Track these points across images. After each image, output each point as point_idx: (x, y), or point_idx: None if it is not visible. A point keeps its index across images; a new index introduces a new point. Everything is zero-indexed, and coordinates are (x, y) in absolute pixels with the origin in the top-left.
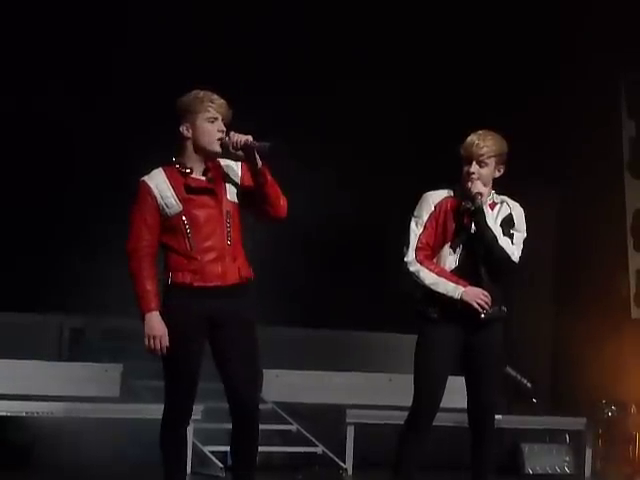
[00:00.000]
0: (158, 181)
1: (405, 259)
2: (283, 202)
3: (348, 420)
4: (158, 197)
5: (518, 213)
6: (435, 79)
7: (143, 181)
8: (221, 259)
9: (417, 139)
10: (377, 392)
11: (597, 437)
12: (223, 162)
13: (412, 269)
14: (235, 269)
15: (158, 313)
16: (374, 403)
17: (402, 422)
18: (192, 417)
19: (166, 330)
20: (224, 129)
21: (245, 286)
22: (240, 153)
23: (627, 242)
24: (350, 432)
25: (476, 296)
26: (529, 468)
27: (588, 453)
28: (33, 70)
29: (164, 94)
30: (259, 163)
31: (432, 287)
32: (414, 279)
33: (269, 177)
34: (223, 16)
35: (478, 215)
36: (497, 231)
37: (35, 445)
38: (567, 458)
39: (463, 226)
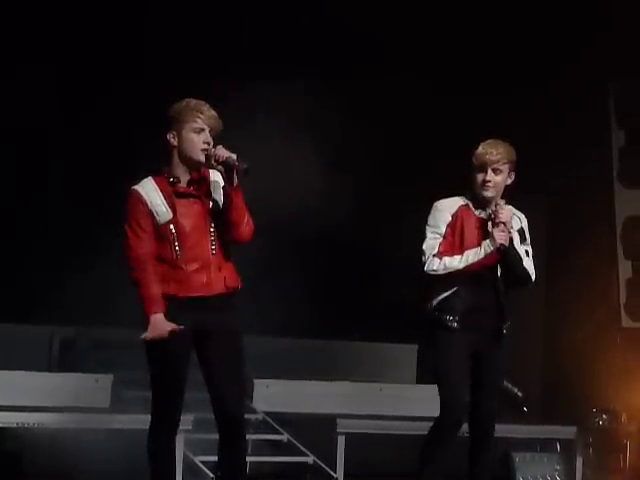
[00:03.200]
0: (148, 189)
1: (426, 268)
2: (247, 228)
3: (339, 430)
4: (149, 204)
5: (526, 225)
6: (425, 86)
7: (134, 189)
8: (205, 269)
9: (414, 150)
10: (368, 402)
11: (588, 446)
12: (212, 174)
13: (437, 267)
14: (221, 279)
15: (163, 315)
16: (365, 413)
17: (393, 432)
18: (183, 427)
19: (169, 328)
20: (210, 141)
21: (231, 296)
22: (220, 168)
23: (617, 250)
24: (341, 442)
25: (500, 237)
26: (520, 477)
27: (579, 462)
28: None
29: (154, 104)
30: (234, 182)
31: (465, 265)
32: (445, 274)
33: (237, 200)
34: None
35: (508, 246)
36: (522, 252)
37: (26, 456)
38: (558, 467)
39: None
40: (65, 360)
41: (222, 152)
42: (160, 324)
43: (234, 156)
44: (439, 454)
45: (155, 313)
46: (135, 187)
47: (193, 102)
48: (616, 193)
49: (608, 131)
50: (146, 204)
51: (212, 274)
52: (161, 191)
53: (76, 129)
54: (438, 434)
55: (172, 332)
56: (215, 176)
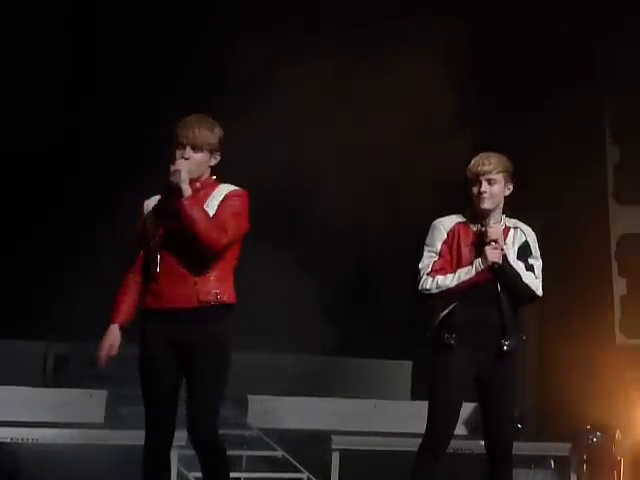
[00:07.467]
0: (150, 202)
1: (419, 287)
2: (205, 240)
3: (333, 446)
4: (146, 217)
5: (533, 239)
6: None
7: (144, 202)
8: (181, 282)
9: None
10: (362, 418)
11: (582, 463)
12: (217, 188)
13: (430, 286)
14: (195, 293)
15: (117, 326)
16: (359, 429)
17: (387, 448)
18: (177, 443)
19: (114, 344)
20: (189, 157)
21: (209, 311)
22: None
23: (611, 268)
24: (335, 458)
25: (492, 255)
26: None
27: (573, 479)
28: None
29: (157, 114)
30: (175, 197)
31: (457, 283)
32: (438, 293)
33: (183, 214)
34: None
35: (502, 263)
36: (519, 267)
37: (20, 471)
38: None
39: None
40: (60, 376)
41: (172, 166)
42: (107, 334)
43: (179, 169)
44: (430, 470)
45: (111, 322)
46: (145, 200)
47: (182, 119)
48: (611, 210)
49: (603, 148)
50: (143, 218)
51: (188, 288)
52: (158, 204)
53: (78, 136)
54: (429, 452)
55: (151, 346)
56: (220, 188)
